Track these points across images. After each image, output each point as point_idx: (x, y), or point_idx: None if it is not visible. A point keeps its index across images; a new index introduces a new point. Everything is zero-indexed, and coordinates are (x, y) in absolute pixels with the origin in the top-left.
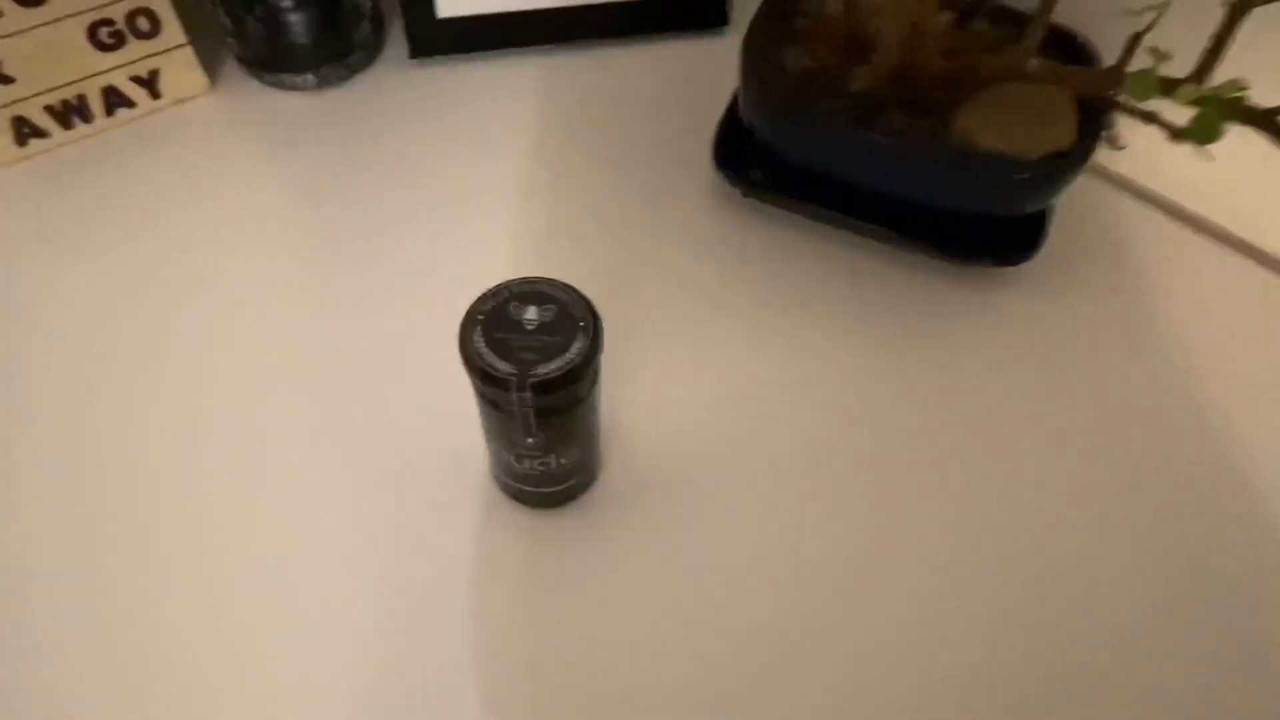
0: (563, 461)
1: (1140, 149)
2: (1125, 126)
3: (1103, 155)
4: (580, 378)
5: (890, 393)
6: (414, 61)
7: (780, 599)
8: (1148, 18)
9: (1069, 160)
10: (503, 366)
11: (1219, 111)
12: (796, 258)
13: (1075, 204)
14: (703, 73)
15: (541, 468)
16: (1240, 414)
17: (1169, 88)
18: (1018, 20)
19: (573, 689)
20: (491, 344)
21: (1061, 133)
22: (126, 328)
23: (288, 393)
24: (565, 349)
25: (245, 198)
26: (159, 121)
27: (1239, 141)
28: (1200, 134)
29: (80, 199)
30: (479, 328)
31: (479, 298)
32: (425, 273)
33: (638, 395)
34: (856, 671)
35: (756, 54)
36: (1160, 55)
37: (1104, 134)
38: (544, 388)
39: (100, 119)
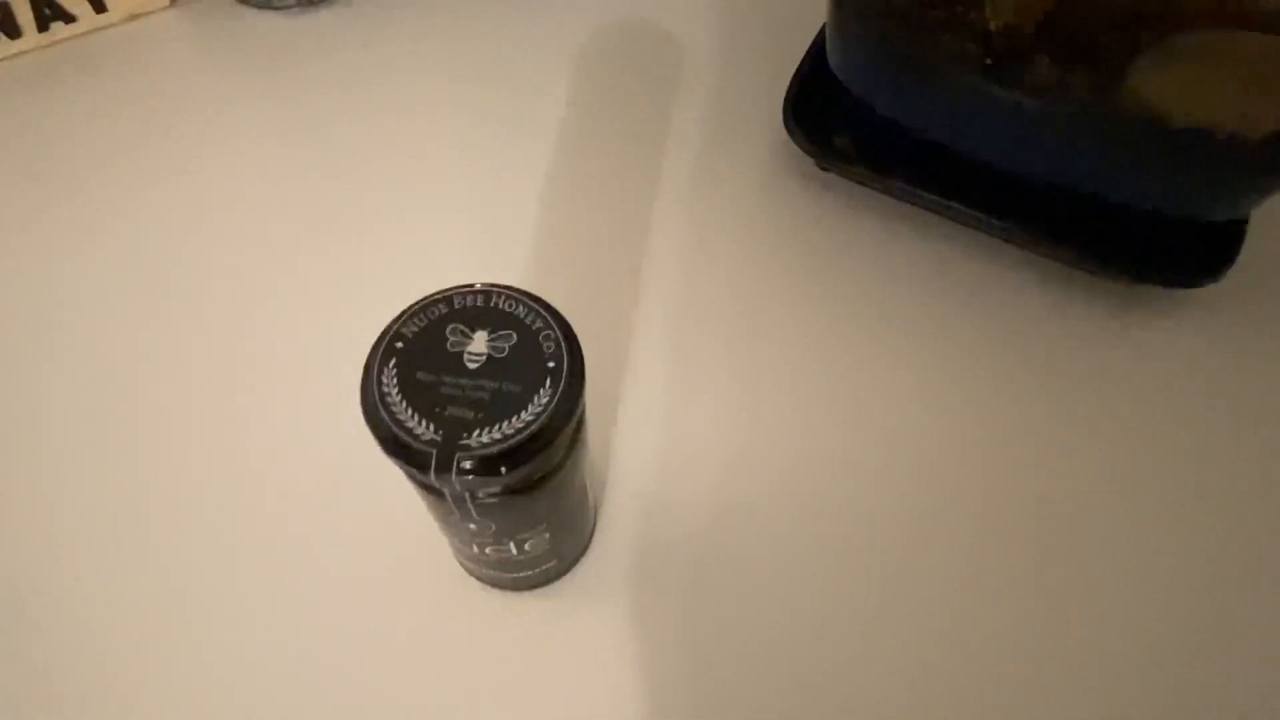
0: (526, 549)
1: None
2: None
3: None
4: (545, 447)
5: (1002, 442)
6: None
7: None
8: None
9: None
10: (419, 430)
11: None
12: (886, 253)
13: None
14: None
15: (498, 555)
16: None
17: None
18: None
19: None
20: (409, 390)
21: None
22: (60, 283)
23: (240, 369)
24: (522, 404)
25: (207, 137)
26: (105, 41)
27: None
28: None
29: (7, 132)
30: (393, 362)
31: (401, 314)
32: (411, 233)
33: (659, 423)
34: None
35: None
36: None
37: None
38: (483, 466)
39: (31, 35)
